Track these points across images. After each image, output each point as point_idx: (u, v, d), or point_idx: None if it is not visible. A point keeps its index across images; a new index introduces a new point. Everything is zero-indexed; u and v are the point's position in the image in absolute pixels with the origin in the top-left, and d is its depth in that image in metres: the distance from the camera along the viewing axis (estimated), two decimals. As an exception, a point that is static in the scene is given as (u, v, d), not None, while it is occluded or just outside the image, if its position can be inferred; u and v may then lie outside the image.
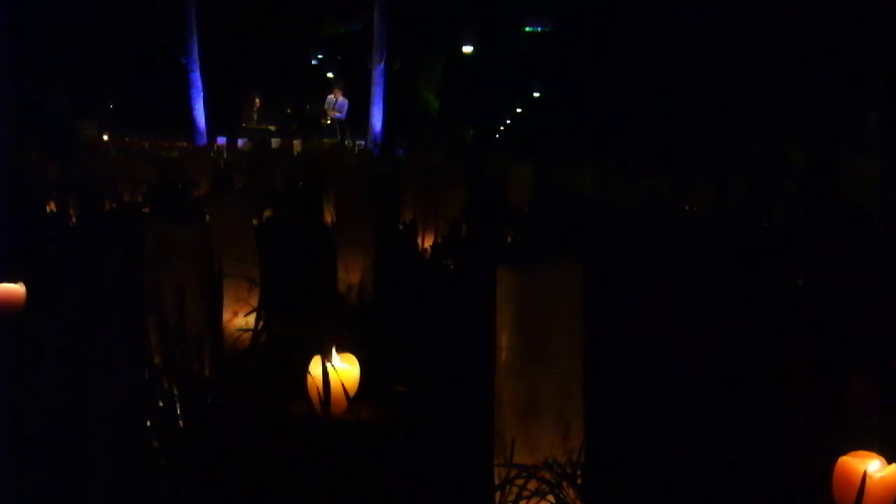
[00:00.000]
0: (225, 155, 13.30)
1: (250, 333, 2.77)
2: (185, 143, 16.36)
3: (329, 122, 16.66)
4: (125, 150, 13.86)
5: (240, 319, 3.18)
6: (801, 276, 4.50)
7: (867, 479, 2.03)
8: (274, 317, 3.03)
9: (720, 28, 14.72)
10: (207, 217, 3.98)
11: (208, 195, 6.88)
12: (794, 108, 13.33)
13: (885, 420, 2.45)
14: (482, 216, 5.99)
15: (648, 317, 3.39)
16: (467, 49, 20.98)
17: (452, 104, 21.97)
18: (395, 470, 2.34)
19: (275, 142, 15.98)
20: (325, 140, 16.36)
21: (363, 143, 16.95)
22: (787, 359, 3.08)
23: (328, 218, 6.34)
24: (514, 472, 1.95)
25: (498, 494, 1.98)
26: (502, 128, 23.59)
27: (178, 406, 2.41)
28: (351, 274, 4.11)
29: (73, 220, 6.41)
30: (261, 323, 2.75)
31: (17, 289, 3.62)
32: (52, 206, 6.79)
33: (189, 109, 17.32)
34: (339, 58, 22.41)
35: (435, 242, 5.36)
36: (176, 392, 2.42)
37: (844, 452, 2.13)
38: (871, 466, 2.09)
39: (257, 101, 17.61)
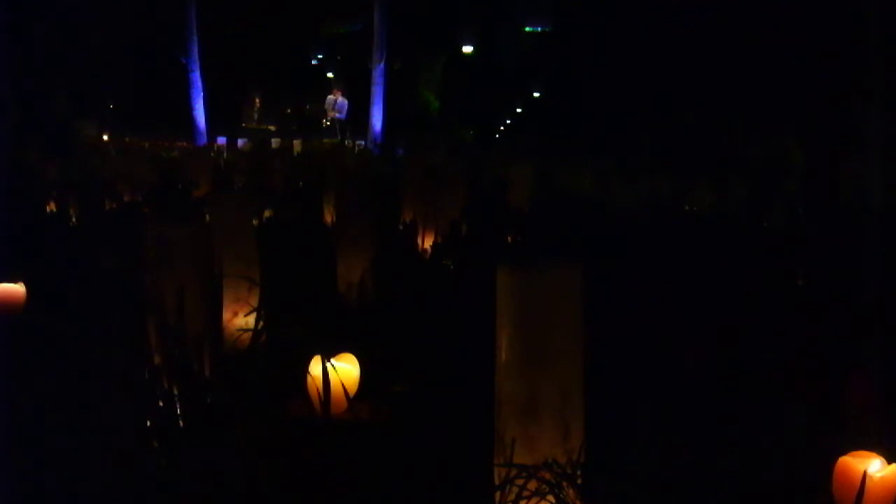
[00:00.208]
0: (225, 155, 13.30)
1: (250, 333, 2.77)
2: (185, 143, 16.36)
3: (329, 122, 16.66)
4: (125, 150, 13.86)
5: (240, 319, 3.18)
6: (801, 276, 4.50)
7: (867, 479, 2.03)
8: (274, 317, 3.03)
9: (720, 28, 14.72)
10: (207, 217, 3.98)
11: (208, 195, 6.88)
12: (794, 108, 13.33)
13: (885, 420, 2.45)
14: (482, 216, 5.99)
15: (648, 317, 3.39)
16: (467, 49, 20.98)
17: (452, 104, 21.98)
18: (395, 470, 2.34)
19: (275, 142, 15.98)
20: (325, 140, 16.37)
21: (363, 143, 16.94)
22: (787, 359, 3.08)
23: (328, 218, 6.34)
24: (514, 472, 1.95)
25: (498, 494, 1.98)
26: (502, 128, 23.59)
27: (178, 406, 2.41)
28: (351, 274, 4.11)
29: (73, 220, 6.41)
30: (261, 323, 2.75)
31: (17, 289, 3.62)
32: (52, 206, 6.79)
33: (189, 109, 17.32)
34: (339, 58, 22.42)
35: (435, 242, 5.36)
36: (176, 392, 2.42)
37: (844, 452, 2.13)
38: (871, 466, 2.09)
39: (258, 100, 17.62)
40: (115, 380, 2.54)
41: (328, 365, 2.59)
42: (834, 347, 3.21)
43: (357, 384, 2.78)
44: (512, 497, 1.95)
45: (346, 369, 2.75)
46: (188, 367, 2.47)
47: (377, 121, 17.36)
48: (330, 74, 21.06)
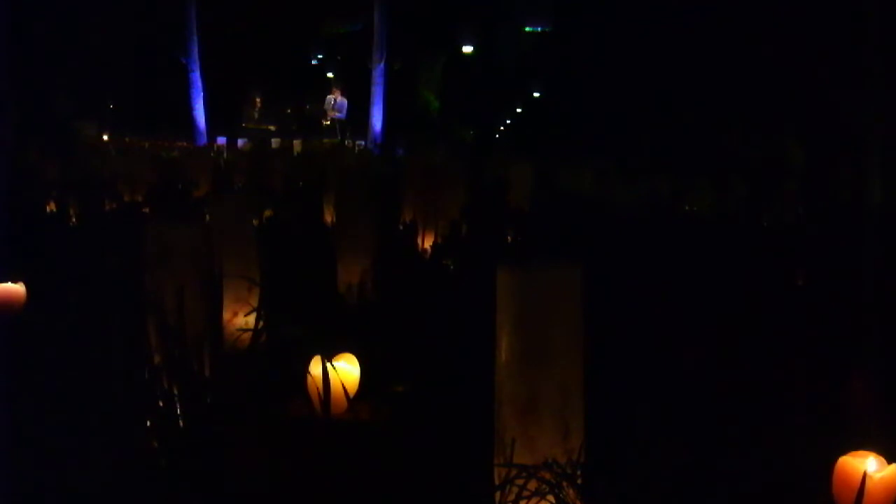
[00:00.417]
0: (225, 155, 13.30)
1: (250, 333, 2.77)
2: (185, 143, 16.35)
3: (329, 122, 16.65)
4: (125, 150, 13.85)
5: (240, 319, 3.17)
6: (801, 276, 4.50)
7: (867, 479, 2.03)
8: (274, 317, 3.03)
9: (720, 28, 14.72)
10: (207, 217, 3.98)
11: (208, 195, 6.88)
12: (794, 108, 13.33)
13: (885, 420, 2.45)
14: (482, 216, 5.99)
15: (648, 317, 3.39)
16: (467, 49, 20.98)
17: (452, 104, 21.98)
18: (395, 470, 2.34)
19: (275, 142, 15.98)
20: (325, 140, 16.35)
21: (363, 143, 16.94)
22: (787, 359, 3.08)
23: (328, 218, 6.34)
24: (514, 472, 1.95)
25: (498, 494, 1.98)
26: (502, 128, 23.59)
27: (178, 406, 2.41)
28: (351, 274, 4.11)
29: (73, 220, 6.41)
30: (261, 323, 2.75)
31: (17, 289, 3.62)
32: (52, 206, 6.78)
33: (189, 109, 17.32)
34: (339, 58, 22.41)
35: (435, 242, 5.36)
36: (176, 392, 2.42)
37: (844, 452, 2.13)
38: (871, 466, 2.09)
39: (258, 100, 17.61)
40: (115, 380, 2.54)
41: (328, 365, 2.59)
42: (834, 347, 3.21)
43: (357, 384, 2.78)
44: (512, 497, 1.95)
45: (346, 369, 2.75)
46: (188, 367, 2.47)
47: (377, 121, 17.36)
48: (330, 74, 21.05)
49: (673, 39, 15.60)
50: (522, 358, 1.97)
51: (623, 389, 2.51)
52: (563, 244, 4.83)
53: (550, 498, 1.93)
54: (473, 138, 20.78)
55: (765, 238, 5.89)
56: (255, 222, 4.29)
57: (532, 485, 1.94)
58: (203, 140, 17.09)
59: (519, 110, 23.62)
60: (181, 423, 2.38)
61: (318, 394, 2.56)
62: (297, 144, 15.11)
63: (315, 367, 2.67)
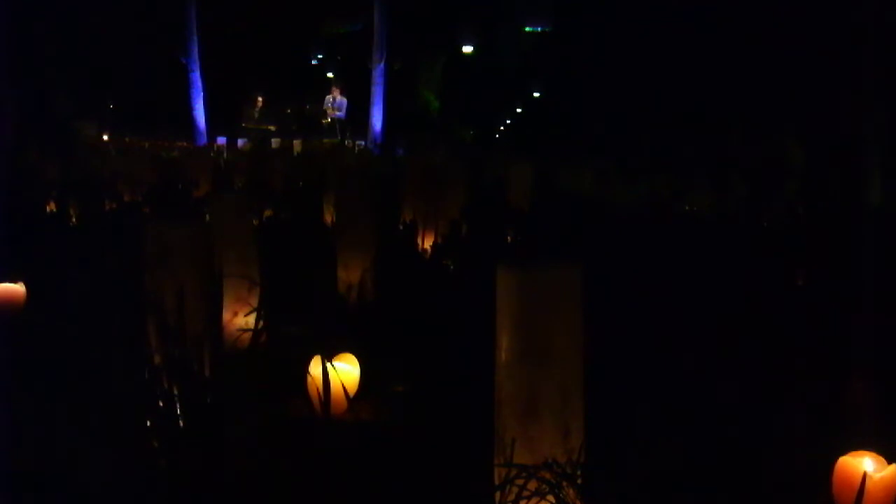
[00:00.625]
0: (225, 155, 13.29)
1: (250, 333, 2.77)
2: (185, 143, 16.35)
3: (329, 120, 16.64)
4: (125, 150, 13.85)
5: (240, 319, 3.18)
6: (801, 276, 4.50)
7: (867, 479, 2.03)
8: (274, 317, 3.03)
9: (720, 28, 14.72)
10: (207, 217, 3.98)
11: (208, 195, 6.88)
12: (794, 107, 13.33)
13: (885, 420, 2.45)
14: (482, 216, 5.99)
15: (648, 317, 3.39)
16: (467, 49, 20.98)
17: (452, 104, 21.98)
18: (394, 470, 2.34)
19: (275, 142, 15.97)
20: (325, 140, 16.34)
21: (363, 143, 16.93)
22: (787, 359, 3.08)
23: (328, 218, 6.34)
24: (514, 472, 1.95)
25: (498, 494, 1.98)
26: (502, 128, 23.59)
27: (178, 406, 2.41)
28: (351, 274, 4.11)
29: (73, 220, 6.41)
30: (261, 323, 2.75)
31: (17, 289, 3.62)
32: (52, 206, 6.78)
33: (189, 109, 17.32)
34: (339, 58, 22.42)
35: (435, 242, 5.36)
36: (176, 392, 2.42)
37: (844, 452, 2.14)
38: (871, 466, 2.09)
39: (260, 99, 17.60)
40: (115, 380, 2.54)
41: (328, 365, 2.59)
42: (834, 347, 3.21)
43: (357, 384, 2.78)
44: (512, 497, 1.95)
45: (346, 369, 2.75)
46: (188, 367, 2.46)
47: (377, 121, 17.35)
48: (330, 74, 21.04)
49: (673, 39, 15.61)
50: (522, 358, 1.97)
51: (623, 389, 2.51)
52: (563, 244, 4.83)
53: (550, 498, 1.93)
54: (473, 138, 20.79)
55: (765, 238, 5.89)
56: (255, 222, 4.29)
57: (532, 485, 1.94)
58: (203, 140, 17.09)
59: (519, 110, 23.63)
60: (181, 423, 2.38)
61: (318, 394, 2.56)
62: (297, 144, 15.10)
63: (315, 367, 2.67)
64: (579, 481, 1.97)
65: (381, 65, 17.44)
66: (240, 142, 16.80)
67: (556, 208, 6.82)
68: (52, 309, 3.53)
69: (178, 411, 2.41)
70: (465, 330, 2.97)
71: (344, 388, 2.67)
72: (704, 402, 2.64)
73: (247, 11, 19.65)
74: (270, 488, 2.23)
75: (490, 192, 7.50)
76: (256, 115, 17.72)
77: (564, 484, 1.94)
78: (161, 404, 2.40)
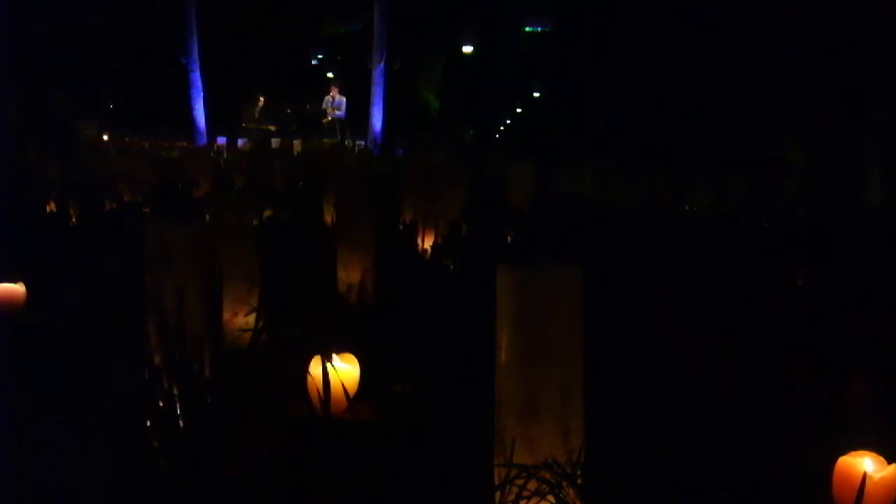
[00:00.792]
0: (225, 155, 13.29)
1: (250, 333, 2.77)
2: (185, 143, 16.35)
3: (329, 119, 16.64)
4: (125, 150, 13.85)
5: (240, 319, 3.18)
6: (801, 276, 4.50)
7: (867, 479, 2.03)
8: (274, 317, 3.03)
9: (720, 28, 14.72)
10: (207, 217, 3.98)
11: (208, 195, 6.87)
12: (794, 107, 13.33)
13: (885, 420, 2.45)
14: (482, 216, 5.99)
15: (648, 317, 3.39)
16: (467, 49, 20.99)
17: (452, 104, 21.98)
18: (395, 470, 2.34)
19: (275, 142, 15.97)
20: (325, 140, 16.35)
21: (363, 143, 16.94)
22: (787, 359, 3.08)
23: (328, 218, 6.34)
24: (514, 472, 1.95)
25: (498, 494, 1.98)
26: (502, 128, 23.59)
27: (178, 406, 2.41)
28: (351, 274, 4.11)
29: (73, 220, 6.41)
30: (261, 323, 2.75)
31: (17, 289, 3.62)
32: (52, 206, 6.78)
33: (189, 109, 17.33)
34: (339, 58, 22.42)
35: (435, 242, 5.36)
36: (176, 392, 2.42)
37: (844, 452, 2.13)
38: (871, 466, 2.09)
39: (261, 99, 17.62)
40: (115, 380, 2.54)
41: (328, 365, 2.59)
42: (834, 347, 3.21)
43: (357, 384, 2.78)
44: (512, 497, 1.95)
45: (346, 369, 2.75)
46: (188, 367, 2.47)
47: (377, 121, 17.36)
48: (330, 74, 21.05)
49: (673, 39, 15.60)
50: (522, 358, 1.97)
51: (623, 389, 2.51)
52: (563, 244, 4.83)
53: (550, 498, 1.93)
54: (473, 138, 20.79)
55: (765, 238, 5.89)
56: (255, 222, 4.29)
57: (532, 485, 1.94)
58: (203, 140, 17.10)
59: (519, 110, 23.63)
60: (181, 423, 2.38)
61: (318, 394, 2.56)
62: (297, 144, 15.10)
63: (315, 367, 2.67)
64: (579, 481, 1.97)
65: (381, 65, 17.44)
66: (240, 142, 16.82)
67: (556, 208, 6.83)
68: (52, 309, 3.53)
69: (178, 411, 2.41)
70: (465, 330, 2.97)
71: (344, 387, 2.67)
72: (704, 402, 2.64)
73: (247, 11, 19.66)
74: (270, 488, 2.23)
75: (490, 192, 7.50)
76: (256, 115, 17.74)
77: (564, 484, 1.94)
78: (161, 404, 2.40)
